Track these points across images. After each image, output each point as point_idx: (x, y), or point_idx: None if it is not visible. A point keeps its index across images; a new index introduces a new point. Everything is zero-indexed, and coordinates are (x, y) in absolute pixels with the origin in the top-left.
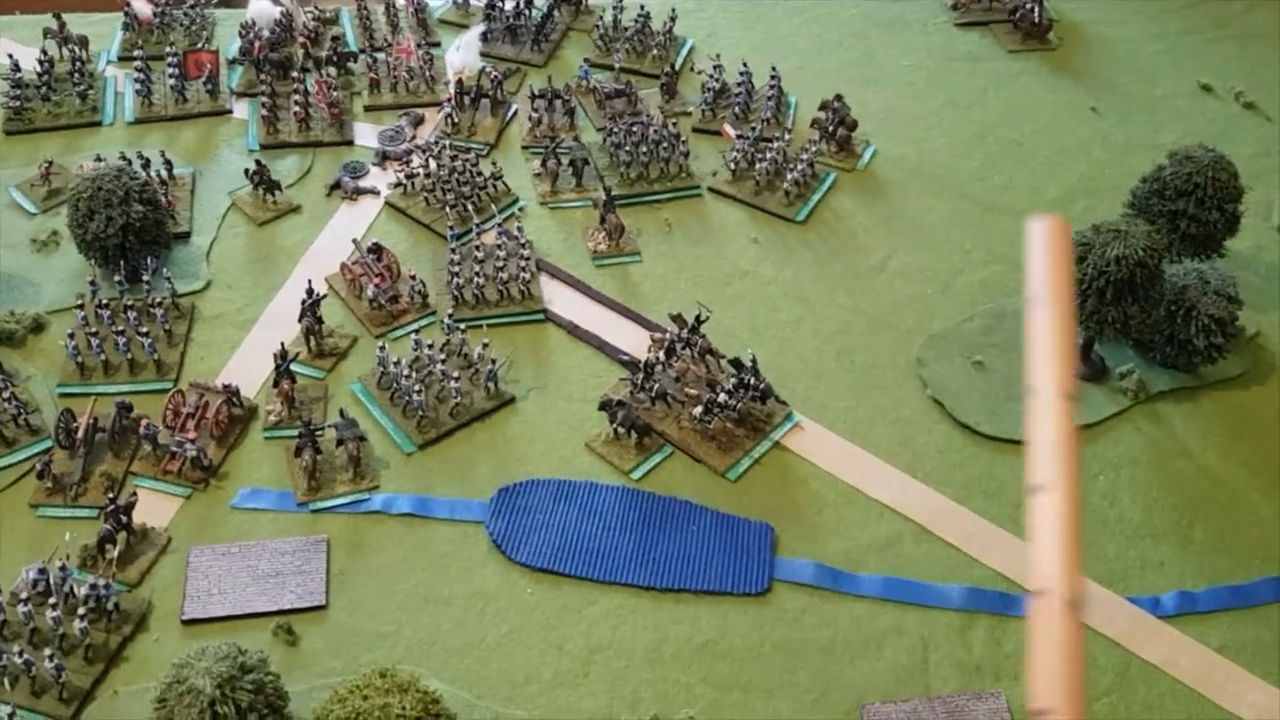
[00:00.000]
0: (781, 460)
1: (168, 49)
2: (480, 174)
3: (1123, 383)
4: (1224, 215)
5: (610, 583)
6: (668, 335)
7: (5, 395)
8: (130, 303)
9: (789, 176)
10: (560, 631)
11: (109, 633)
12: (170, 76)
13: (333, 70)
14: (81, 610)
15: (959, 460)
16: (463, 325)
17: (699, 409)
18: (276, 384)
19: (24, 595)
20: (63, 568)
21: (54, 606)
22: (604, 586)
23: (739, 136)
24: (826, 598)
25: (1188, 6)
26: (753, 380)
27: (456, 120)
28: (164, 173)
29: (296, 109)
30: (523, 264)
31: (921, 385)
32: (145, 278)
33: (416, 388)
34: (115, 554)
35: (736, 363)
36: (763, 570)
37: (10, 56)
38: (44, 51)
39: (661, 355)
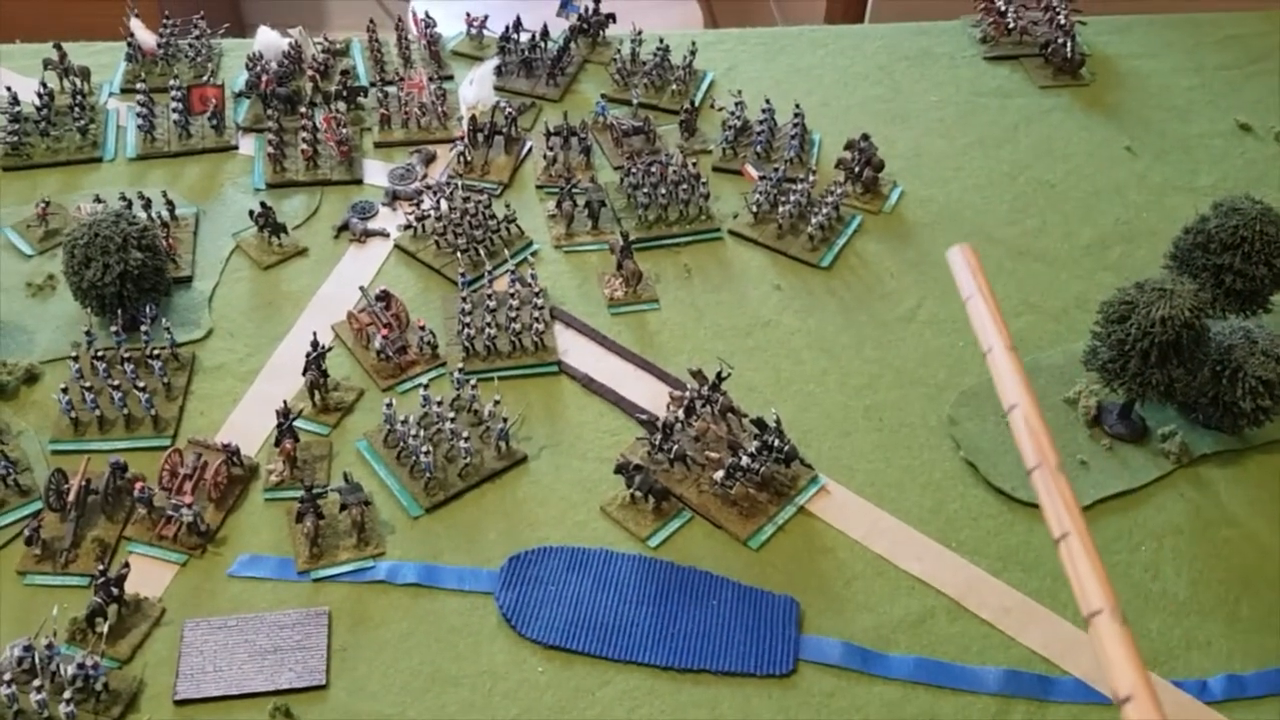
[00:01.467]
0: (806, 527)
1: (171, 81)
2: (493, 216)
3: (1164, 445)
4: (1271, 270)
5: (626, 661)
6: (688, 393)
7: None
8: (127, 354)
9: (814, 220)
10: (572, 715)
11: (97, 714)
12: (174, 111)
13: (342, 105)
14: (68, 692)
15: (994, 528)
16: (473, 379)
17: (720, 473)
18: (278, 442)
19: (7, 675)
20: (49, 645)
21: (39, 689)
22: (619, 665)
23: (761, 177)
24: (855, 680)
25: (1224, 40)
26: (777, 441)
27: (469, 158)
28: (165, 214)
29: (304, 146)
30: (536, 313)
31: (954, 446)
32: (144, 327)
33: (425, 447)
34: (105, 628)
35: (760, 423)
36: (788, 649)
37: (9, 89)
38: (43, 83)
39: (681, 414)
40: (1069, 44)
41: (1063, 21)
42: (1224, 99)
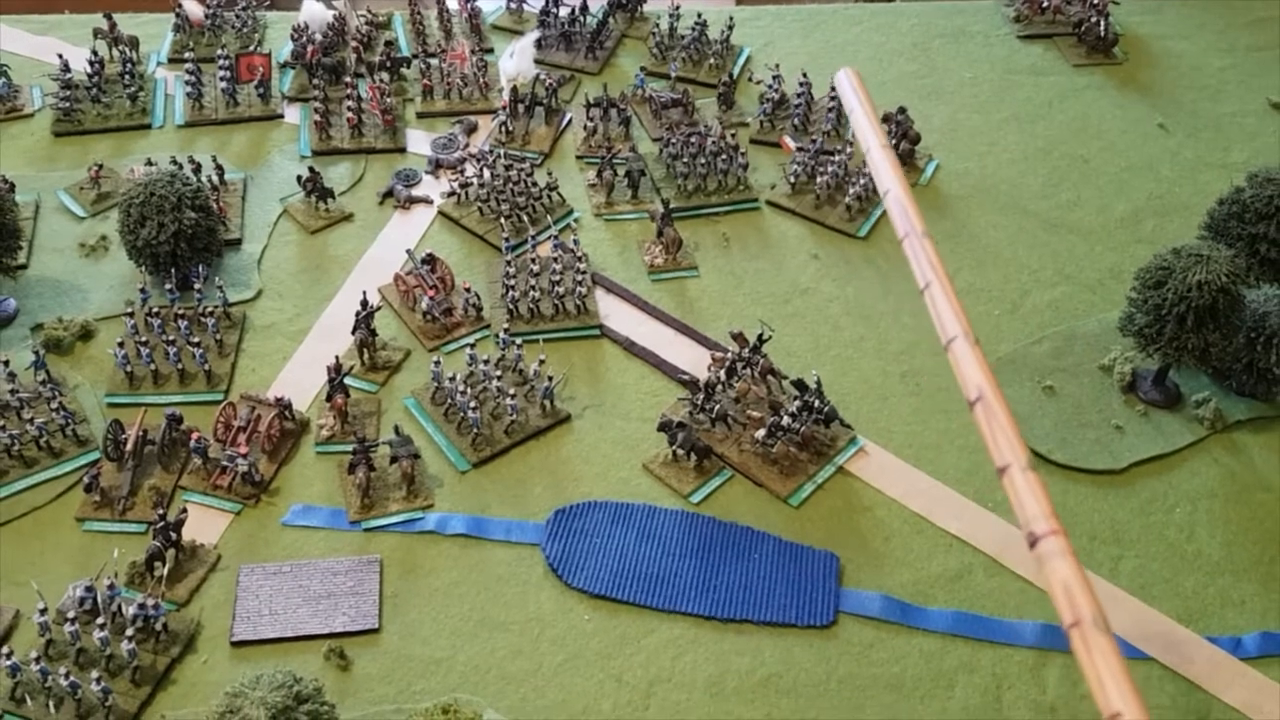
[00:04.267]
0: (845, 486)
1: (219, 51)
2: (535, 184)
3: (1199, 411)
4: None
5: (670, 611)
6: (729, 354)
7: (54, 405)
8: (181, 311)
9: (851, 191)
10: (619, 661)
11: (156, 654)
12: (221, 79)
13: (385, 75)
14: (129, 631)
15: None
16: (519, 340)
17: (762, 432)
18: (330, 398)
19: (71, 614)
20: (111, 586)
21: (101, 627)
22: (663, 615)
23: (799, 149)
24: (895, 632)
25: (1255, 22)
26: (817, 402)
27: (510, 128)
28: (215, 178)
29: (349, 115)
30: (579, 278)
31: None
32: (196, 286)
33: (472, 404)
34: (164, 572)
35: (800, 384)
36: (828, 601)
37: (60, 56)
38: (94, 52)
39: (722, 375)
40: (1102, 23)
41: (1096, 1)
42: (1256, 79)
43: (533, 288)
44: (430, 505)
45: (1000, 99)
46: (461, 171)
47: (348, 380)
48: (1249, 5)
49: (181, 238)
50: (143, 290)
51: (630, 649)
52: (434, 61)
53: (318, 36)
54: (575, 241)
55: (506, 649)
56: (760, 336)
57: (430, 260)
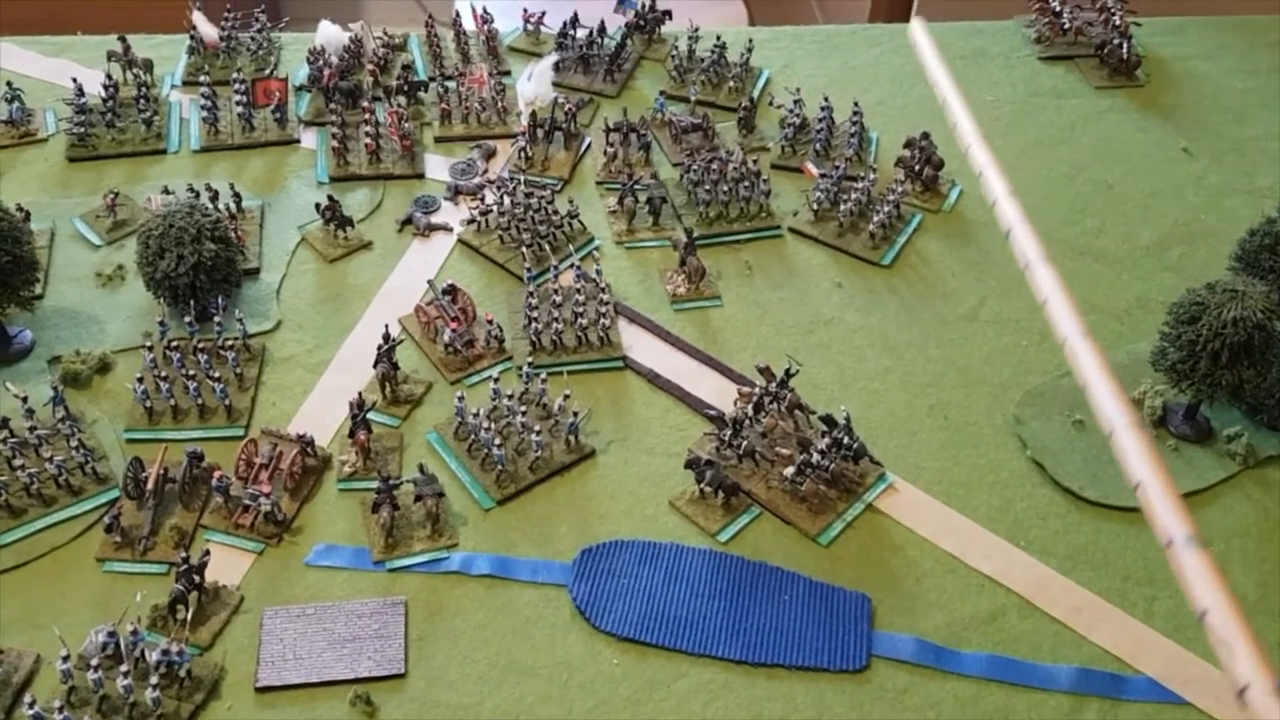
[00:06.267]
0: (875, 524)
1: (234, 74)
2: (556, 211)
3: (1230, 446)
4: None
5: (699, 655)
6: (756, 389)
7: (73, 442)
8: (200, 344)
9: (874, 219)
10: (649, 707)
11: (180, 700)
12: (237, 104)
13: (402, 99)
14: (154, 678)
15: (1062, 528)
16: (543, 374)
17: (791, 469)
18: (352, 434)
19: (94, 660)
20: (134, 631)
21: (125, 674)
22: (693, 658)
23: (822, 175)
24: (929, 676)
25: (1276, 43)
26: (846, 438)
27: (530, 153)
28: (233, 205)
29: (367, 140)
30: (602, 308)
31: (1020, 445)
32: (216, 318)
33: (497, 440)
34: (188, 616)
35: (829, 419)
36: (860, 645)
37: (74, 80)
38: (108, 75)
39: (749, 410)
40: (1125, 45)
41: (1118, 23)
42: (1278, 101)
43: (555, 319)
44: (455, 544)
45: (1022, 122)
46: (482, 198)
47: (370, 415)
48: (1271, 25)
49: (201, 270)
50: (161, 323)
51: (660, 694)
52: (451, 85)
53: (334, 59)
54: (598, 271)
55: (535, 695)
56: (788, 371)
57: (451, 291)
